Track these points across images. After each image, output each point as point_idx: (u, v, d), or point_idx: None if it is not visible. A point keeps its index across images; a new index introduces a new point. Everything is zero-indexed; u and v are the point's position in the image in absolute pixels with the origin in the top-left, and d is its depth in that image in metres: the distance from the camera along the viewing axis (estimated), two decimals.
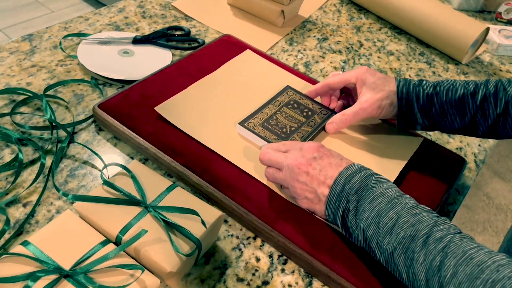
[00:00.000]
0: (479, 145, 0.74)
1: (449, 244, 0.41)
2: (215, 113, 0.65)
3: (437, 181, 0.62)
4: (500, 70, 0.94)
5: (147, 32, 0.83)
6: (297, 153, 0.53)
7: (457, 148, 0.73)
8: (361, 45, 0.93)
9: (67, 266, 0.42)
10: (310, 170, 0.51)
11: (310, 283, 0.51)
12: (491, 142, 0.75)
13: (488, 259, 0.39)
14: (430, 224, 0.44)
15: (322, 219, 0.54)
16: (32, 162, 0.57)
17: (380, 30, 0.99)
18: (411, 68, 0.89)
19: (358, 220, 0.47)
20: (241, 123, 0.62)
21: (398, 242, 0.44)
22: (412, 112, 0.60)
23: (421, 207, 0.46)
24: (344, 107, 0.68)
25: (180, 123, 0.62)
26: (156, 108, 0.63)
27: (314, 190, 0.51)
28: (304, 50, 0.88)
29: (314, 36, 0.92)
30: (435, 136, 0.74)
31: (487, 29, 0.92)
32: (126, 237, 0.45)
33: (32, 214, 0.51)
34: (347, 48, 0.91)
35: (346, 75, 0.63)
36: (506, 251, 0.60)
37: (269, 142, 0.60)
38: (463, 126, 0.60)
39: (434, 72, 0.89)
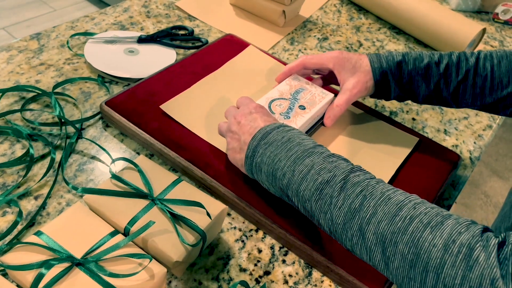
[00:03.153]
0: (475, 143, 0.76)
1: (366, 187, 0.43)
2: (218, 110, 0.67)
3: (433, 176, 0.64)
4: None
5: (151, 32, 0.85)
6: (240, 109, 0.57)
7: (452, 146, 0.75)
8: (361, 44, 0.95)
9: (78, 255, 0.44)
10: (243, 120, 0.54)
11: (310, 274, 0.53)
12: (486, 139, 0.77)
13: (404, 198, 0.42)
14: (347, 170, 0.45)
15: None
16: (43, 157, 0.59)
17: (379, 30, 1.01)
18: None
19: (274, 170, 0.49)
20: None
21: (316, 188, 0.45)
22: (388, 82, 0.64)
23: (337, 155, 0.48)
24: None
25: (184, 121, 0.64)
26: (161, 106, 0.65)
27: (240, 138, 0.54)
28: (305, 49, 0.90)
29: (315, 36, 0.94)
30: (432, 134, 0.76)
31: (484, 30, 0.94)
32: (134, 228, 0.47)
33: (43, 206, 0.53)
34: (347, 47, 0.93)
35: (322, 58, 0.65)
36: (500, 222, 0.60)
37: None
38: (428, 93, 0.64)
39: None
